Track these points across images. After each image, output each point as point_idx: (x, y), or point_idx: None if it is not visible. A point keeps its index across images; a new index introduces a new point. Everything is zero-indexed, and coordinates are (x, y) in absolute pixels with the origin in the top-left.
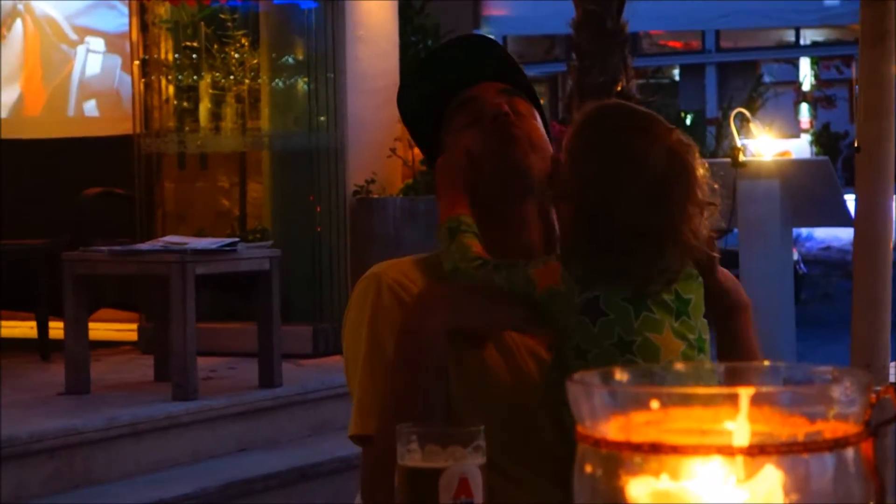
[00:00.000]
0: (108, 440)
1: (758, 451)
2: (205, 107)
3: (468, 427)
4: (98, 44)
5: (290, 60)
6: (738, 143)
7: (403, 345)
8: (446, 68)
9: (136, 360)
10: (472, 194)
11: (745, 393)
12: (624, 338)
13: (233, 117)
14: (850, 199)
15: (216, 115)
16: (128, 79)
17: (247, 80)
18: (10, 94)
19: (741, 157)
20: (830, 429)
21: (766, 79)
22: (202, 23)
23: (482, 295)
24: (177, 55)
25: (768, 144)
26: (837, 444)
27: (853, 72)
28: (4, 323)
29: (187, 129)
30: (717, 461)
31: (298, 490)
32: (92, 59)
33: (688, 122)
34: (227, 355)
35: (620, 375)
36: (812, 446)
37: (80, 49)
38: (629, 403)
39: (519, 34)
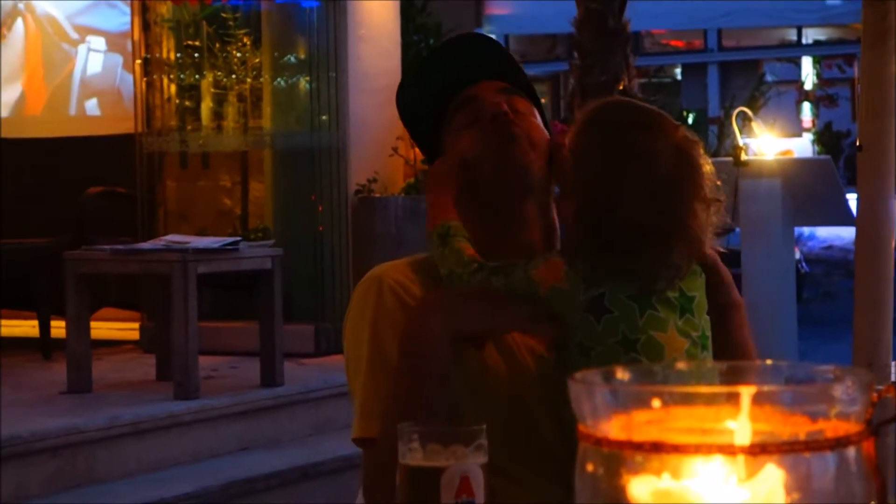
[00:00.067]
0: (110, 439)
1: (759, 450)
2: (206, 106)
3: (470, 426)
4: (99, 43)
5: (292, 59)
6: (740, 142)
7: (406, 350)
8: (445, 68)
9: (138, 360)
10: (472, 194)
11: (746, 392)
12: (628, 336)
13: (235, 116)
14: (851, 199)
15: (218, 115)
16: (129, 78)
17: (249, 79)
18: (12, 94)
19: (743, 156)
20: (832, 428)
21: (769, 78)
22: (204, 22)
23: (484, 298)
24: (178, 54)
25: (770, 143)
26: (839, 443)
27: (855, 71)
28: (6, 322)
29: (189, 128)
30: (718, 460)
31: (300, 489)
32: (93, 58)
33: (690, 121)
34: (228, 354)
35: (622, 374)
36: (813, 445)
37: (82, 48)
38: (631, 402)
39: (521, 33)
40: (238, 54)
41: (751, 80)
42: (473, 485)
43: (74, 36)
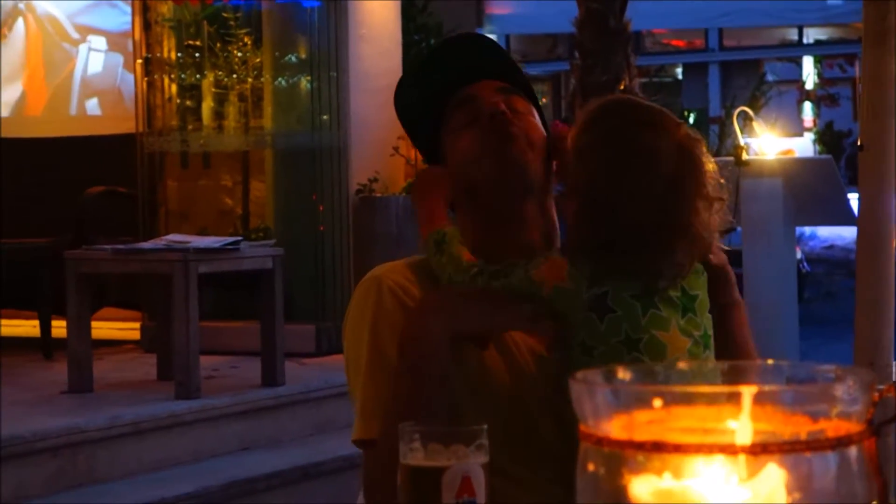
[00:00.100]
0: (111, 439)
1: (760, 449)
2: (208, 105)
3: (470, 426)
4: (100, 42)
5: (293, 59)
6: (742, 141)
7: (406, 352)
8: (444, 68)
9: (139, 359)
10: (471, 194)
11: (747, 391)
12: (631, 335)
13: (236, 116)
14: (853, 198)
15: (219, 114)
16: (130, 77)
17: (250, 79)
18: (13, 93)
19: (744, 156)
20: (833, 427)
21: (770, 77)
22: (205, 21)
23: (484, 298)
24: (179, 54)
25: (771, 143)
26: (840, 443)
27: (856, 70)
28: (7, 322)
29: (190, 127)
30: (719, 460)
31: (301, 489)
32: (94, 58)
33: (691, 120)
34: (229, 354)
35: (623, 374)
36: (815, 445)
37: (82, 48)
38: (632, 402)
39: (521, 33)
40: (239, 54)
41: (752, 79)
42: (475, 484)
43: (75, 35)
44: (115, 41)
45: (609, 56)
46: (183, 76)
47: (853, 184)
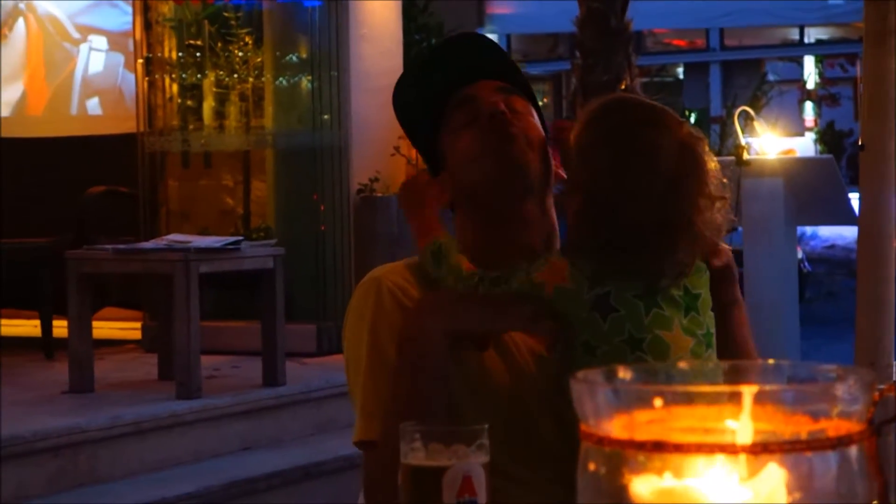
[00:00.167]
0: (112, 439)
1: (761, 449)
2: (208, 105)
3: (471, 425)
4: (101, 42)
5: (294, 59)
6: (742, 141)
7: (404, 351)
8: (443, 68)
9: (140, 359)
10: (470, 195)
11: (748, 391)
12: (634, 335)
13: (236, 116)
14: (854, 198)
15: (220, 114)
16: (130, 77)
17: (250, 79)
18: (14, 93)
19: (745, 156)
20: (834, 427)
21: (771, 77)
22: (206, 21)
23: (483, 299)
24: (180, 53)
25: (772, 143)
26: (841, 443)
27: (857, 70)
28: (8, 322)
29: (191, 127)
30: (720, 459)
31: (302, 489)
32: (94, 58)
33: (692, 120)
34: (230, 354)
35: (624, 373)
36: (815, 444)
37: (83, 47)
38: (632, 401)
39: (523, 32)
40: (240, 53)
41: (753, 79)
42: (475, 484)
43: (76, 35)
44: (115, 41)
45: (610, 56)
46: (184, 76)
47: (854, 183)
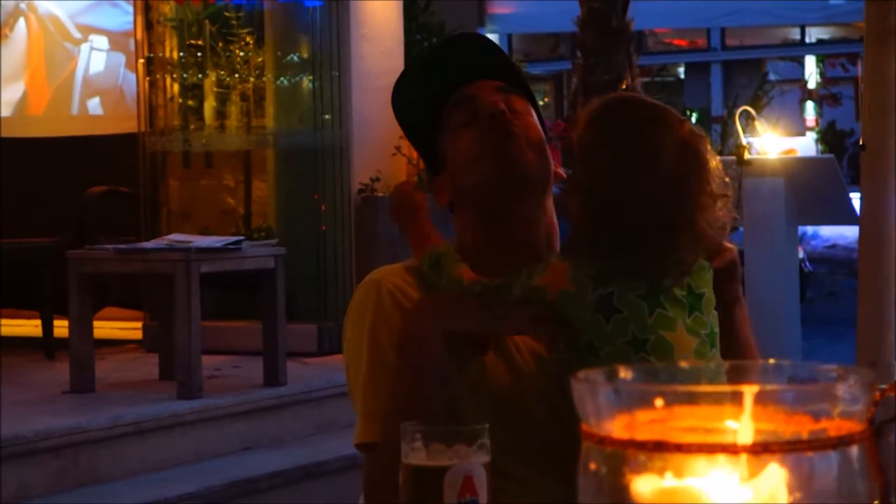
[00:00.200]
0: (113, 439)
1: (762, 449)
2: (209, 105)
3: (472, 425)
4: (102, 42)
5: (295, 58)
6: (744, 141)
7: (404, 352)
8: (441, 68)
9: (141, 359)
10: (471, 194)
11: (749, 391)
12: (638, 336)
13: (238, 115)
14: (855, 197)
15: (221, 114)
16: (131, 77)
17: (252, 79)
18: (15, 93)
19: (746, 156)
20: (835, 427)
21: (772, 77)
22: (207, 21)
23: (483, 302)
24: (181, 53)
25: (773, 142)
26: (842, 443)
27: (859, 69)
28: (9, 321)
29: (192, 127)
30: (721, 459)
31: (303, 489)
32: (95, 57)
33: (693, 120)
34: (231, 354)
35: (625, 373)
36: (816, 444)
37: (84, 47)
38: (634, 401)
39: (524, 32)
40: (241, 53)
41: (754, 78)
42: (476, 484)
43: (77, 35)
44: (116, 41)
45: (611, 55)
46: (185, 76)
47: (855, 183)
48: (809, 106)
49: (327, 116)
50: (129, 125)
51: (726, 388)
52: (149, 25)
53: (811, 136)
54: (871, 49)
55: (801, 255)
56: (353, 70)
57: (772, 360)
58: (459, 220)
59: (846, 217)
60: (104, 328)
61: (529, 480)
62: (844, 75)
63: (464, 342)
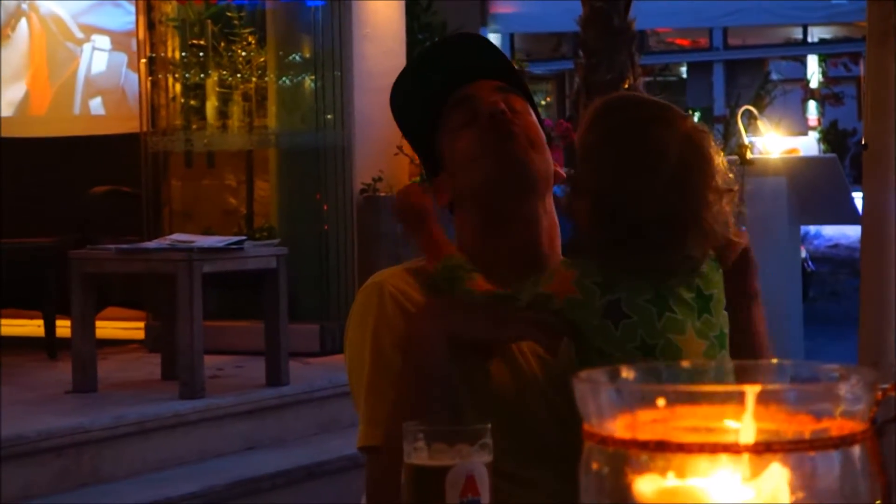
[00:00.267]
0: (116, 438)
1: (764, 448)
2: (212, 105)
3: (474, 425)
4: (104, 42)
5: (297, 58)
6: (746, 140)
7: (407, 355)
8: (440, 68)
9: (143, 359)
10: (471, 195)
11: (751, 391)
12: (647, 341)
13: (240, 115)
14: (857, 197)
15: (223, 114)
16: (133, 76)
17: (254, 78)
18: (16, 93)
19: (749, 155)
20: (837, 426)
21: (774, 76)
22: (209, 21)
23: (487, 308)
24: (183, 53)
25: (776, 142)
26: (844, 442)
27: (861, 69)
28: (12, 321)
29: (194, 127)
30: (723, 459)
31: (305, 488)
32: (97, 57)
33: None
34: (233, 353)
35: (627, 373)
36: (818, 444)
37: (86, 47)
38: (635, 401)
39: (526, 32)
40: (243, 53)
41: (756, 78)
42: (478, 484)
43: (79, 35)
44: (118, 40)
45: (613, 55)
46: (187, 75)
47: (858, 182)
48: (812, 105)
49: (329, 116)
50: (131, 125)
51: (728, 387)
52: (151, 25)
53: (813, 136)
54: (873, 48)
55: (803, 254)
56: (355, 70)
57: (774, 360)
58: (459, 221)
59: (848, 216)
60: (106, 328)
61: (534, 481)
62: (847, 75)
63: (468, 347)
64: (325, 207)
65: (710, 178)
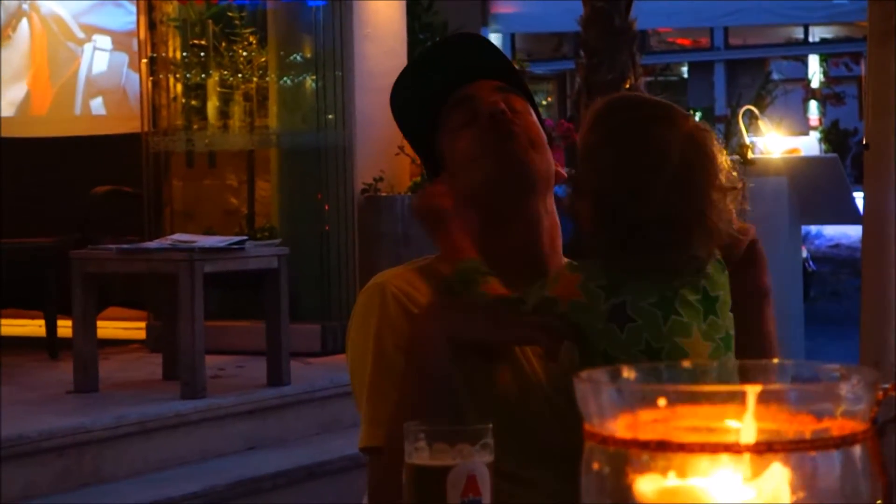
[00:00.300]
0: (117, 438)
1: (765, 448)
2: (213, 105)
3: (476, 425)
4: (105, 42)
5: (298, 58)
6: (747, 140)
7: (410, 355)
8: (440, 68)
9: (145, 359)
10: (472, 195)
11: (752, 390)
12: (652, 344)
13: (241, 115)
14: (858, 197)
15: (224, 114)
16: (134, 76)
17: (255, 78)
18: (17, 93)
19: (750, 155)
20: (838, 426)
21: (775, 76)
22: (210, 21)
23: (490, 310)
24: (185, 53)
25: (777, 142)
26: (845, 442)
27: (862, 69)
28: (13, 321)
29: (195, 127)
30: (724, 459)
31: (306, 488)
32: (98, 57)
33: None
34: (235, 353)
35: (628, 373)
36: (819, 444)
37: (87, 47)
38: (636, 401)
39: (527, 31)
40: (244, 53)
41: (757, 78)
42: (480, 483)
43: (80, 35)
44: (120, 40)
45: (614, 55)
46: (188, 75)
47: (859, 182)
48: (813, 105)
49: (330, 116)
50: (132, 125)
51: (729, 387)
52: (152, 25)
53: (814, 136)
54: (874, 48)
55: (804, 254)
56: (356, 70)
57: (775, 360)
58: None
59: (849, 216)
60: (108, 328)
61: (532, 481)
62: (848, 74)
63: (470, 348)
64: (327, 207)
65: (714, 177)
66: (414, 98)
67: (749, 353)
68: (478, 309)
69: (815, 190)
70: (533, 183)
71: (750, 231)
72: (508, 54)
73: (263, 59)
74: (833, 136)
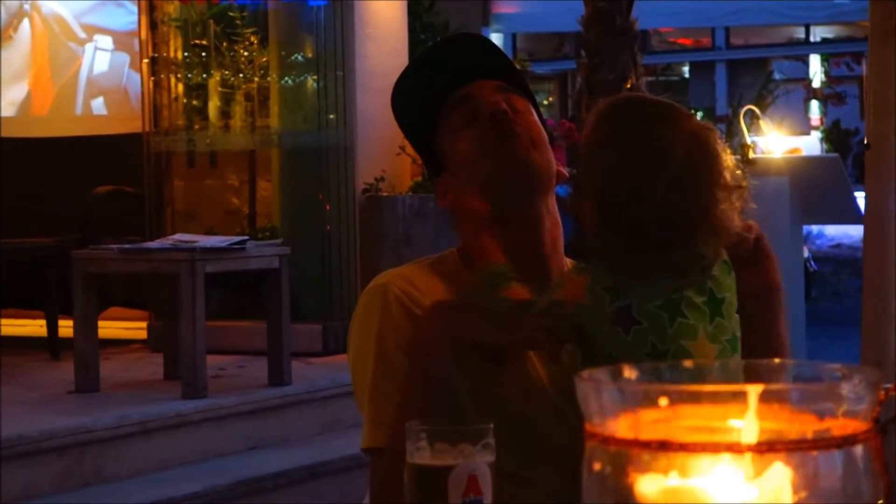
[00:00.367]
0: (118, 438)
1: (766, 448)
2: (214, 105)
3: (477, 425)
4: (106, 42)
5: (300, 58)
6: (748, 140)
7: (413, 356)
8: (441, 67)
9: (146, 359)
10: (472, 195)
11: (753, 390)
12: (658, 347)
13: (242, 115)
14: (860, 196)
15: (225, 113)
16: (136, 76)
17: (256, 78)
18: (19, 93)
19: (751, 154)
20: (839, 426)
21: (776, 76)
22: (211, 21)
23: (491, 310)
24: (186, 53)
25: (778, 141)
26: (846, 442)
27: (863, 68)
28: (14, 321)
29: (197, 127)
30: (725, 458)
31: (308, 488)
32: (100, 57)
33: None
34: (236, 353)
35: (629, 373)
36: (821, 444)
37: (88, 47)
38: (638, 401)
39: (528, 31)
40: (245, 53)
41: (759, 78)
42: (481, 483)
43: (82, 35)
44: (121, 40)
45: (616, 55)
46: (189, 75)
47: (860, 182)
48: (814, 105)
49: (332, 116)
50: (133, 125)
51: (731, 387)
52: (153, 25)
53: (816, 135)
54: (875, 48)
55: (805, 254)
56: (357, 69)
57: (776, 360)
58: (458, 222)
59: (851, 216)
60: (109, 328)
61: (533, 481)
62: (849, 74)
63: (473, 350)
64: (328, 207)
65: (718, 175)
66: (415, 98)
67: (760, 355)
68: (480, 311)
69: (816, 190)
70: (534, 183)
71: (754, 228)
72: (510, 54)
73: (265, 59)
74: (834, 135)
